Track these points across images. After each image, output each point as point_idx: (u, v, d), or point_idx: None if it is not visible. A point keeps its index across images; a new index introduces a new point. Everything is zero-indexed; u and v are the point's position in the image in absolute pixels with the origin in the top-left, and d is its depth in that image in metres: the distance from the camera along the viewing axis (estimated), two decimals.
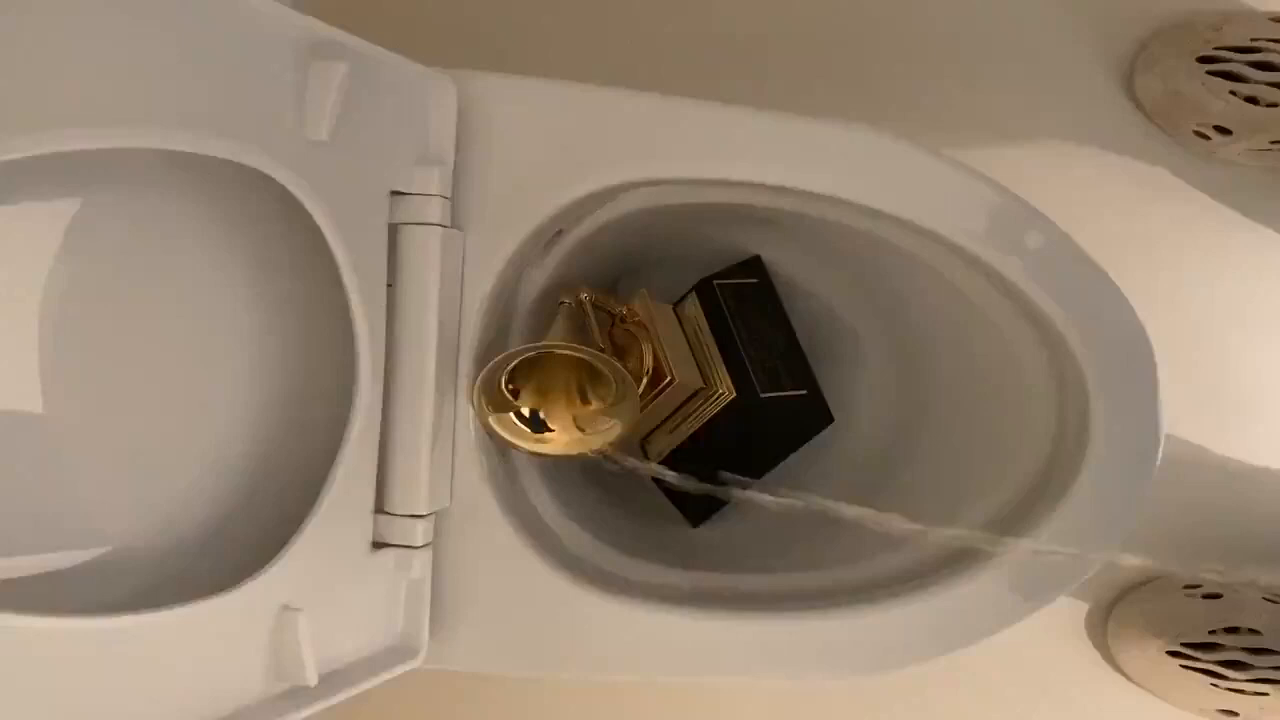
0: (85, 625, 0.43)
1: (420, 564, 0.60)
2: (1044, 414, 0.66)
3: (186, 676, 0.48)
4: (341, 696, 0.55)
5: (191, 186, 0.53)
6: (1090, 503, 0.62)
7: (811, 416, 0.77)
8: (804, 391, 0.75)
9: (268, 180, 0.50)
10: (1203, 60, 0.89)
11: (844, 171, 0.62)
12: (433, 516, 0.61)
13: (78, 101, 0.41)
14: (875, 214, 0.63)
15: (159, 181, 0.52)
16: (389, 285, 0.59)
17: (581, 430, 0.63)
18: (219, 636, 0.49)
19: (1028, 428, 0.67)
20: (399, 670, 0.60)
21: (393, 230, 0.58)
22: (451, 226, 0.60)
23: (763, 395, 0.72)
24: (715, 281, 0.75)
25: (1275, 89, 0.88)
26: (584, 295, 0.70)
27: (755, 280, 0.77)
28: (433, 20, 1.01)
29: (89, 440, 0.51)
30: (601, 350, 0.64)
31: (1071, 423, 0.64)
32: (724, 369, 0.72)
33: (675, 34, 0.99)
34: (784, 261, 0.78)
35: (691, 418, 0.73)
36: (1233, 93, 0.88)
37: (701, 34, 0.99)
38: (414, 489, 0.59)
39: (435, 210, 0.59)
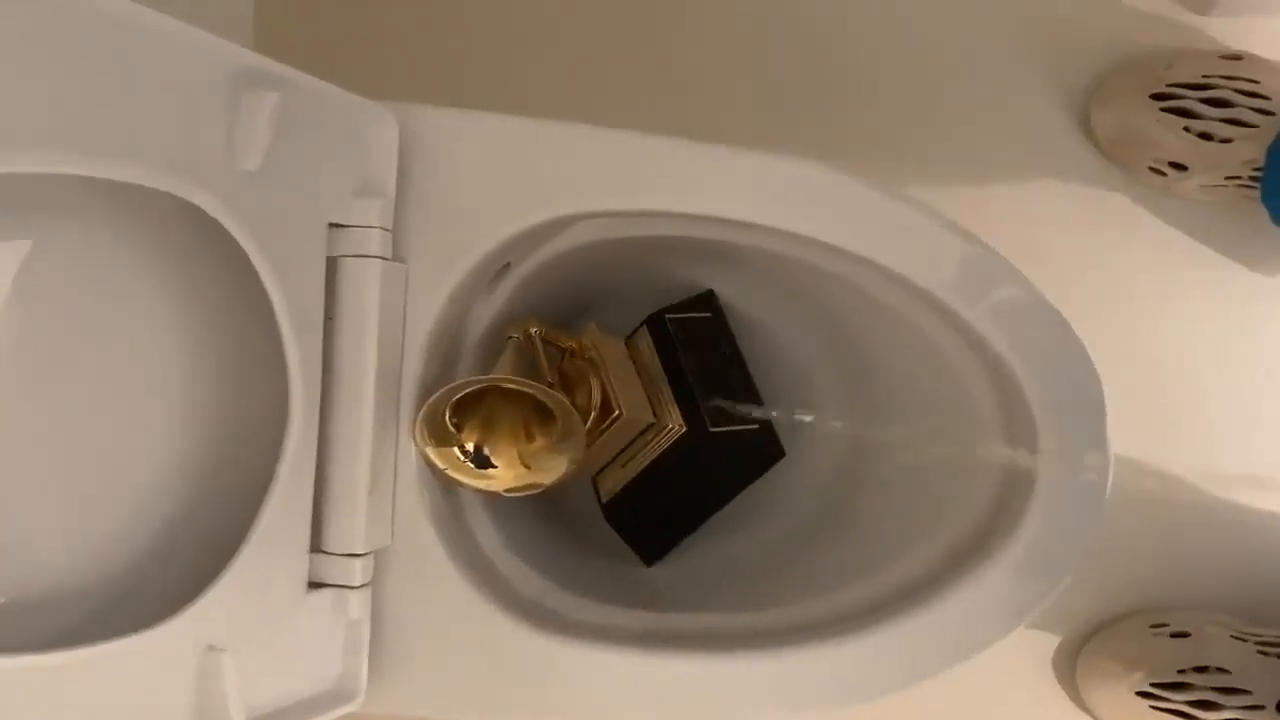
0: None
1: (358, 604, 0.59)
2: (995, 450, 0.65)
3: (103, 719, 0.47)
4: None
5: (119, 216, 0.53)
6: (1042, 535, 0.61)
7: (763, 451, 0.76)
8: (755, 426, 0.75)
9: (198, 210, 0.49)
10: (1156, 97, 0.90)
11: (792, 205, 0.62)
12: (372, 555, 0.59)
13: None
14: (830, 250, 0.63)
15: (86, 211, 0.51)
16: (328, 319, 0.58)
17: (527, 467, 0.62)
18: (136, 678, 0.47)
19: (979, 465, 0.66)
20: (335, 714, 0.58)
21: (331, 263, 0.58)
22: (393, 259, 0.60)
23: (713, 430, 0.71)
24: (667, 315, 0.75)
25: (1228, 125, 0.88)
26: (533, 330, 0.70)
27: (708, 314, 0.77)
28: (380, 57, 1.02)
29: (11, 474, 0.50)
30: (550, 385, 0.64)
31: (1022, 460, 0.63)
32: (674, 403, 0.71)
33: (630, 72, 1.00)
34: (737, 296, 0.78)
35: (642, 453, 0.72)
36: (1186, 129, 0.89)
37: (661, 72, 0.99)
38: (351, 526, 0.58)
39: (375, 242, 0.58)
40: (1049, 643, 0.97)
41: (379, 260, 0.58)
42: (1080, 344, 0.61)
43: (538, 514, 0.75)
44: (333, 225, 0.58)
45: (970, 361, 0.64)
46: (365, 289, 0.58)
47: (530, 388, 0.60)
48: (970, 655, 0.62)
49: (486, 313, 0.68)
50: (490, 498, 0.67)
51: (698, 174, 0.61)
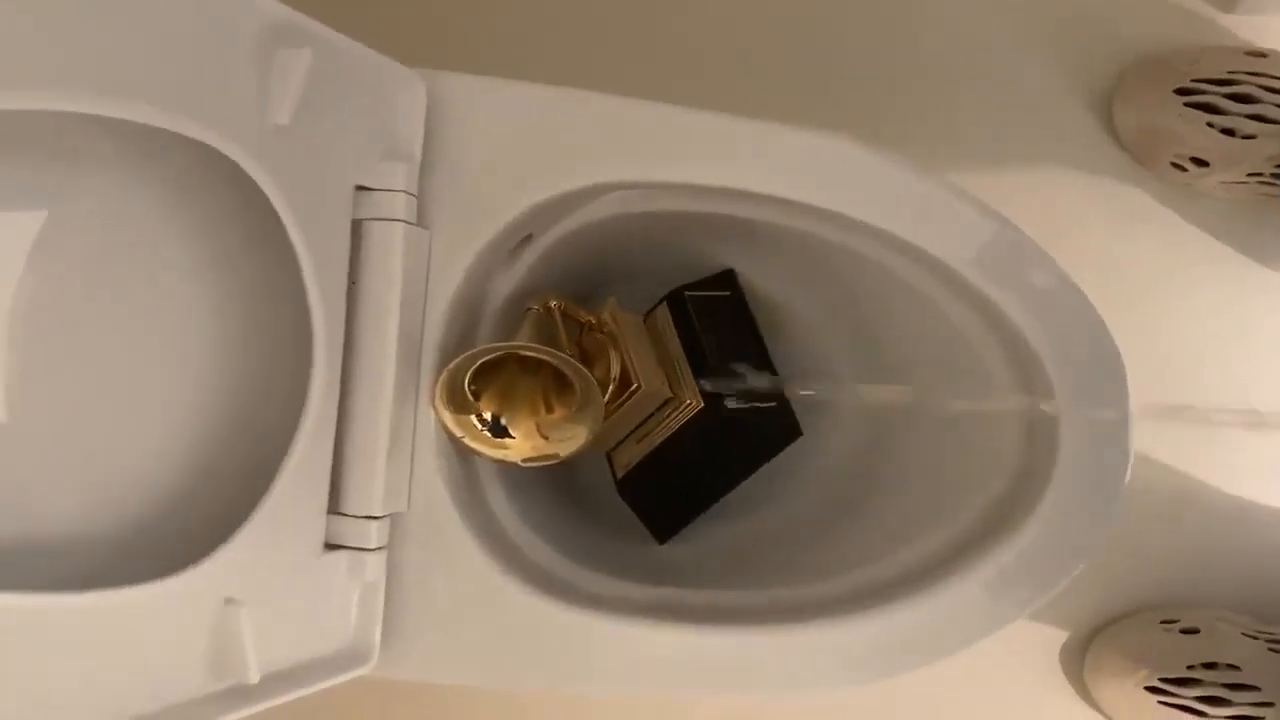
0: (9, 602, 0.41)
1: (374, 567, 0.59)
2: (1014, 432, 0.65)
3: (120, 665, 0.47)
4: (285, 698, 0.53)
5: (145, 168, 0.53)
6: (1058, 522, 0.61)
7: (780, 430, 0.76)
8: (773, 404, 0.74)
9: (225, 163, 0.49)
10: (1180, 92, 0.90)
11: (824, 181, 0.62)
12: (388, 519, 0.59)
13: (34, 62, 0.41)
14: (855, 226, 0.63)
15: (114, 162, 0.52)
16: (351, 283, 0.58)
17: (545, 438, 0.62)
18: (156, 625, 0.48)
19: (998, 446, 0.66)
20: (348, 675, 0.58)
21: (356, 226, 0.58)
22: (417, 225, 0.60)
23: (730, 407, 0.71)
24: (686, 292, 0.75)
25: (1252, 121, 0.88)
26: (553, 303, 0.70)
27: (727, 293, 0.77)
28: (407, 23, 1.02)
29: (35, 418, 0.50)
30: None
31: (1041, 443, 0.63)
32: (692, 380, 0.71)
33: (652, 46, 1.00)
34: (756, 275, 0.78)
35: (659, 429, 0.72)
36: (1210, 125, 0.89)
37: (680, 50, 0.99)
38: (369, 489, 0.58)
39: (400, 206, 0.58)
40: (1057, 636, 0.96)
41: (403, 224, 0.58)
42: (1097, 315, 0.61)
43: (550, 486, 0.75)
44: (358, 188, 0.58)
45: (988, 337, 0.64)
46: (389, 253, 0.58)
47: (550, 356, 0.60)
48: (995, 631, 0.61)
49: (506, 284, 0.68)
50: (505, 468, 0.67)
51: (728, 147, 0.61)
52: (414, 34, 1.01)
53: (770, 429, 0.76)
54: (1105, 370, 0.61)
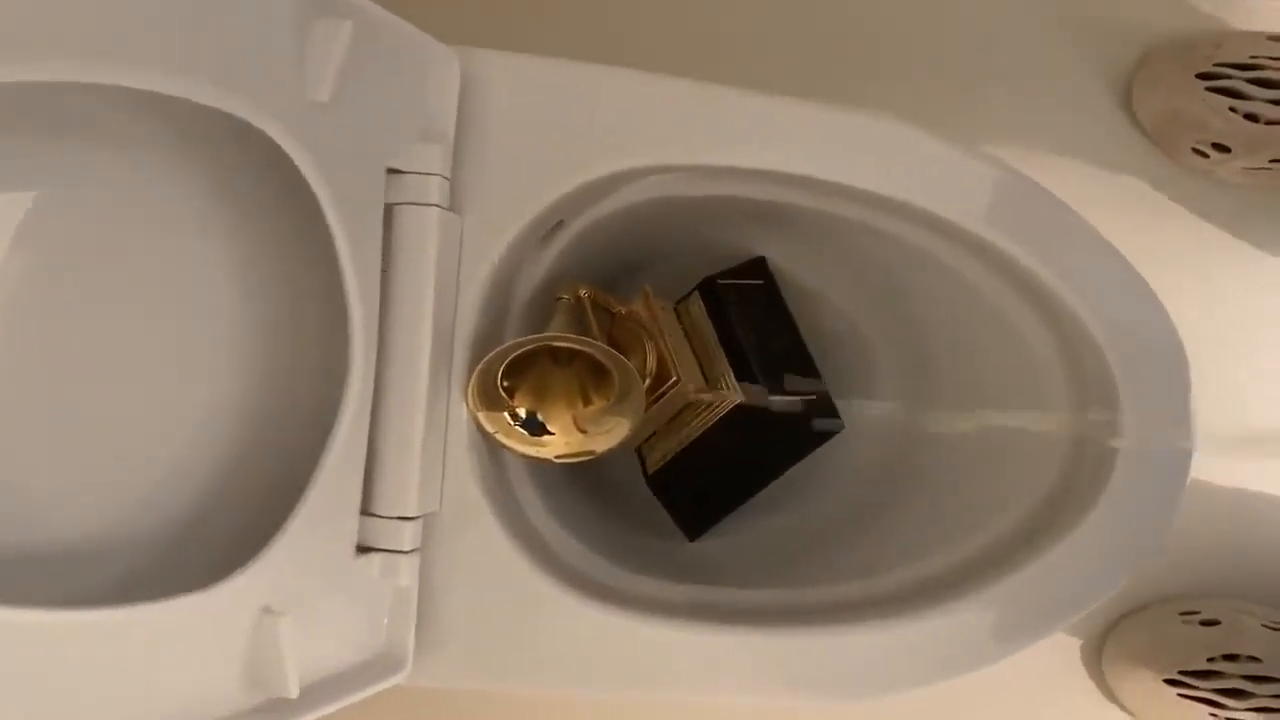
0: (49, 619, 0.38)
1: (407, 570, 0.56)
2: (1062, 425, 0.63)
3: (156, 681, 0.44)
4: (322, 711, 0.50)
5: (179, 148, 0.49)
6: (1120, 517, 0.60)
7: (820, 423, 0.73)
8: (813, 396, 0.72)
9: (260, 144, 0.46)
10: (1202, 77, 0.89)
11: (860, 159, 0.60)
12: (421, 520, 0.57)
13: (63, 31, 0.37)
14: (889, 206, 0.60)
15: (144, 141, 0.48)
16: (382, 270, 0.55)
17: (583, 431, 0.59)
18: (193, 638, 0.45)
19: (1046, 438, 0.64)
20: (383, 685, 0.55)
21: (388, 211, 0.54)
22: (449, 209, 0.57)
23: (770, 398, 0.69)
24: (719, 281, 0.72)
25: (1276, 106, 0.87)
26: (583, 292, 0.67)
27: (760, 281, 0.74)
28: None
29: (64, 421, 0.47)
30: None
31: (1093, 436, 0.61)
32: (730, 372, 0.69)
33: (682, 25, 0.97)
34: (790, 263, 0.75)
35: (694, 422, 0.69)
36: (1232, 110, 0.88)
37: (706, 32, 0.96)
38: (404, 489, 0.55)
39: (434, 190, 0.55)
40: (1075, 629, 0.95)
41: (437, 209, 0.55)
42: (1163, 310, 0.59)
43: (576, 484, 0.73)
44: (390, 170, 0.54)
45: (1041, 334, 0.63)
46: (423, 240, 0.55)
47: (586, 345, 0.57)
48: (1027, 645, 0.60)
49: (535, 272, 0.65)
50: (534, 464, 0.64)
51: (777, 129, 0.59)
52: (439, 6, 0.97)
53: (811, 422, 0.73)
54: (1174, 395, 0.59)
